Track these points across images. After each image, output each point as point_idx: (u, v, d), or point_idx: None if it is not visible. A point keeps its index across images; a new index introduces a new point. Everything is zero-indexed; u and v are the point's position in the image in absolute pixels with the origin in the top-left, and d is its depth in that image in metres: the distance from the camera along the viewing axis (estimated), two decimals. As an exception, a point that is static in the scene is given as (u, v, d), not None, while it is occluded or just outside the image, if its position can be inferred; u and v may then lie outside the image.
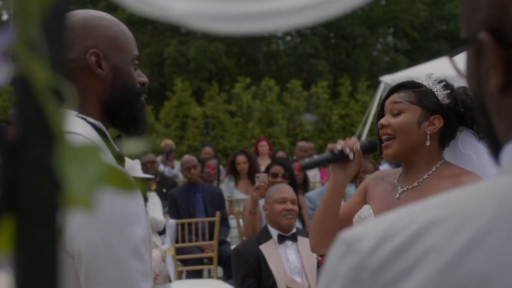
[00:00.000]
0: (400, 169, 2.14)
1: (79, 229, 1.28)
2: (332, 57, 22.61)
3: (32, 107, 0.45)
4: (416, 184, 2.02)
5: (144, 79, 1.55)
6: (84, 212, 0.43)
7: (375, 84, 13.19)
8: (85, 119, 1.44)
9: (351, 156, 2.05)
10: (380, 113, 2.11)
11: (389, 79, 9.25)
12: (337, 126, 15.90)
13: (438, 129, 2.02)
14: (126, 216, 1.31)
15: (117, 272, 1.29)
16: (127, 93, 1.50)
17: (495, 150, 0.73)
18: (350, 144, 2.06)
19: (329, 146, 2.09)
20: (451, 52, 0.77)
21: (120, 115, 1.51)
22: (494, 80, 0.68)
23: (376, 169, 5.98)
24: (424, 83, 2.05)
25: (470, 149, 2.03)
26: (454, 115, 2.03)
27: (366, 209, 2.09)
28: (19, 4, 0.43)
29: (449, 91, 2.04)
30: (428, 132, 2.01)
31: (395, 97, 2.04)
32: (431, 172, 2.02)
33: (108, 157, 1.40)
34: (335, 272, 0.64)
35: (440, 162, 2.03)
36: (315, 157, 2.18)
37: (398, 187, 2.07)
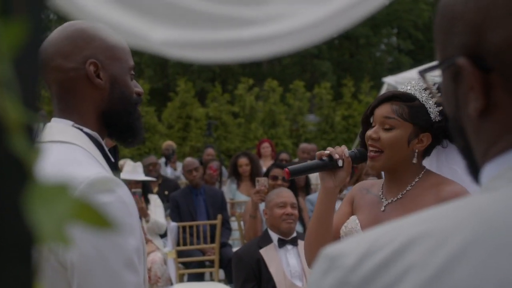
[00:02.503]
0: (383, 180, 2.13)
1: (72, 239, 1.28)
2: (336, 57, 22.59)
3: (4, 144, 0.45)
4: (400, 196, 2.02)
5: (140, 89, 1.57)
6: (60, 245, 0.44)
7: (378, 85, 13.18)
8: (81, 129, 1.45)
9: (340, 162, 2.04)
10: (365, 120, 2.08)
11: (392, 80, 9.20)
12: (340, 127, 15.89)
13: (425, 146, 2.02)
14: (120, 227, 1.31)
15: (110, 284, 1.28)
16: (124, 103, 1.51)
17: (473, 170, 0.74)
18: (339, 151, 2.06)
19: (318, 153, 2.08)
20: (423, 72, 0.78)
21: (117, 124, 1.52)
22: (473, 104, 0.68)
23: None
24: (418, 96, 2.02)
25: (454, 162, 2.03)
26: (442, 131, 2.02)
27: (353, 220, 2.09)
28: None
29: (441, 107, 2.01)
30: (416, 150, 2.00)
31: (387, 110, 2.00)
32: (414, 182, 2.01)
33: (104, 168, 1.41)
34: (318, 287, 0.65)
35: (422, 172, 2.02)
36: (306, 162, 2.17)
37: (383, 199, 2.07)
